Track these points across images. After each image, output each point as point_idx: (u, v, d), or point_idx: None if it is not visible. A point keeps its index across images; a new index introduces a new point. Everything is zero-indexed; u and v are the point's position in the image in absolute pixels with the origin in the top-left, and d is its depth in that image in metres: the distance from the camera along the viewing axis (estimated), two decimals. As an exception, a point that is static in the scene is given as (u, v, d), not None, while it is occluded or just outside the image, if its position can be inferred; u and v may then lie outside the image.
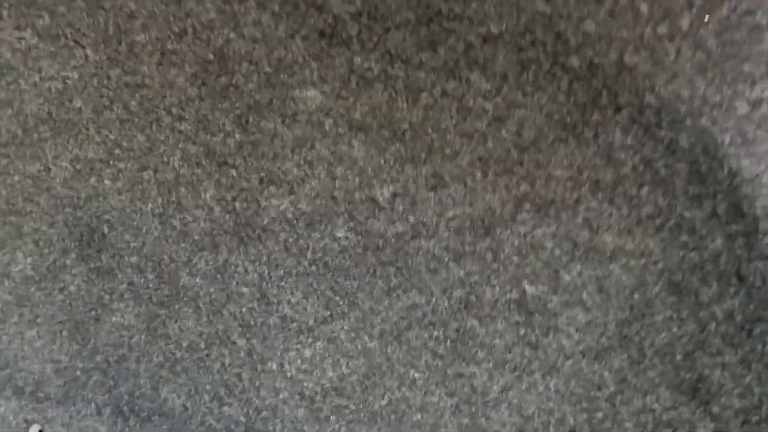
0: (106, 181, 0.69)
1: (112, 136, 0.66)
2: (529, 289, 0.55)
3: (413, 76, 0.53)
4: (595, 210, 0.51)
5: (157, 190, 0.70)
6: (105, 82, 0.64)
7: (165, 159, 0.69)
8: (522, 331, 0.56)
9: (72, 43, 0.64)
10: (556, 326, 0.54)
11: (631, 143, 0.48)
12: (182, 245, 0.72)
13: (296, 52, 0.58)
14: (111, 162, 0.68)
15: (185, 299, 0.72)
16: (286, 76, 0.60)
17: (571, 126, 0.49)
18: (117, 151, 0.67)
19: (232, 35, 0.59)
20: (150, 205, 0.70)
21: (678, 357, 0.50)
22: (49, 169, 0.70)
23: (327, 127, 0.60)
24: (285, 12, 0.56)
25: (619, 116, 0.48)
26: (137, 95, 0.65)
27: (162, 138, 0.68)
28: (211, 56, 0.61)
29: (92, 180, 0.69)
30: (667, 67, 0.42)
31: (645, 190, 0.49)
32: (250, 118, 0.64)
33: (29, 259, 0.74)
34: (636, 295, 0.51)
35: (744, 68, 0.41)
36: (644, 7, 0.41)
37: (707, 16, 0.41)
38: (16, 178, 0.71)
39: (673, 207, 0.48)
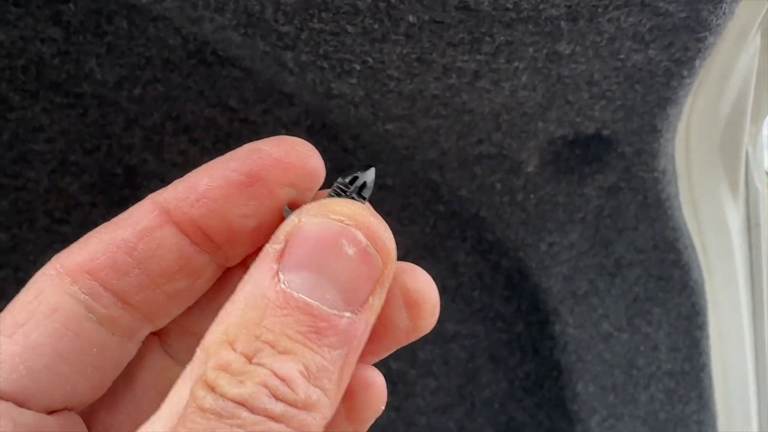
0: None
1: None
2: (393, 365, 0.73)
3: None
4: (441, 307, 0.72)
5: (15, 289, 0.69)
6: None
7: (31, 258, 0.69)
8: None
9: None
10: (414, 392, 0.73)
11: (470, 262, 0.71)
12: None
13: (214, 177, 0.66)
14: None
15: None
16: (196, 194, 0.67)
17: (430, 248, 0.70)
18: None
19: (150, 158, 0.65)
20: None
21: (496, 405, 0.73)
22: None
23: None
24: (215, 148, 0.65)
25: (464, 244, 0.70)
26: (10, 197, 0.66)
27: (31, 238, 0.68)
28: (119, 171, 0.65)
29: None
30: (505, 219, 0.66)
31: (476, 293, 0.72)
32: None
33: None
34: (469, 365, 0.73)
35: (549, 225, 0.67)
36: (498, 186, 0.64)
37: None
38: None
39: (492, 304, 0.72)
